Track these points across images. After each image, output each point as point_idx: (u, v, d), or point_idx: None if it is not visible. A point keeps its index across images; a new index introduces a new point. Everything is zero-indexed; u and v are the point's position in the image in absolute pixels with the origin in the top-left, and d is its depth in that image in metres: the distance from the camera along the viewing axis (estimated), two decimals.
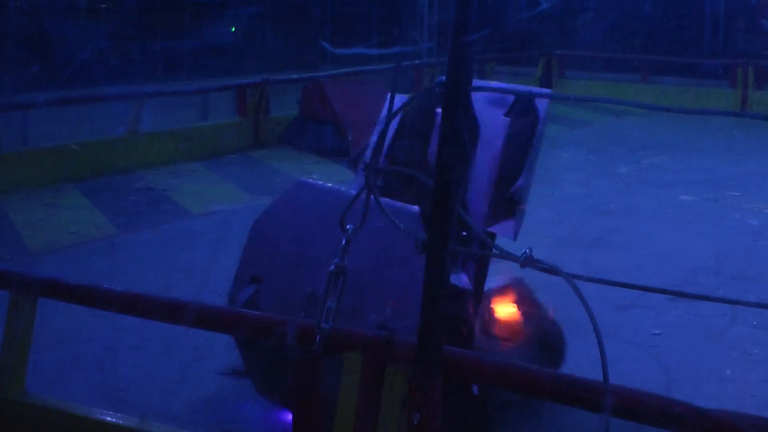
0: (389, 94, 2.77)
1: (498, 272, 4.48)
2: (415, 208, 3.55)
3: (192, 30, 19.49)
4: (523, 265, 2.31)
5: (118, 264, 6.91)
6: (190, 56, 17.80)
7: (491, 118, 4.08)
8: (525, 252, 2.32)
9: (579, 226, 8.32)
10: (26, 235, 7.75)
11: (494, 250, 2.49)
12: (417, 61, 16.99)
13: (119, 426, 3.21)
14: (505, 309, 4.33)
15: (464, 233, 3.79)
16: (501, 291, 4.34)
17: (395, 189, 3.80)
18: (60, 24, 17.71)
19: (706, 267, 7.01)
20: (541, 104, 4.09)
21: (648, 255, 7.35)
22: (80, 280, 3.39)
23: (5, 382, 3.28)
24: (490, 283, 4.33)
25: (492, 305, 4.30)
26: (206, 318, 3.13)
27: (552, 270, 2.28)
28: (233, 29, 20.29)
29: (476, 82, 4.46)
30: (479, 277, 4.01)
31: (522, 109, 4.11)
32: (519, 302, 4.40)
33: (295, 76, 14.54)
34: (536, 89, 4.67)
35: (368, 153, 4.21)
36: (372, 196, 2.63)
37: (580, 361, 4.49)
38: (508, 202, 3.70)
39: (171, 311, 3.17)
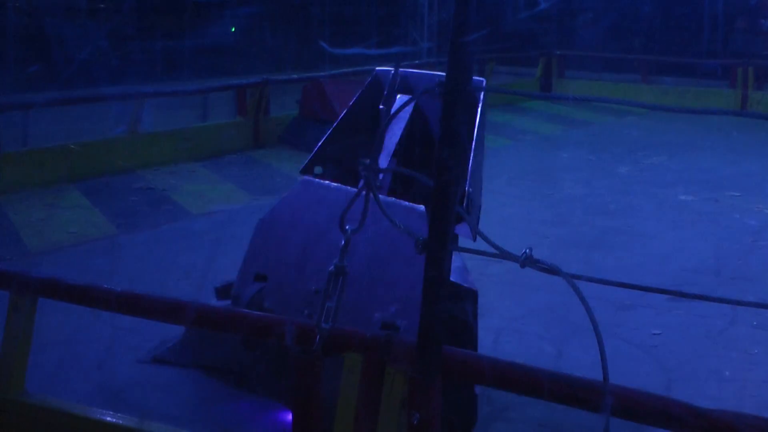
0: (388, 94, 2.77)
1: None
2: (421, 207, 3.55)
3: (192, 30, 19.49)
4: (523, 265, 2.31)
5: (118, 264, 6.91)
6: (190, 56, 17.80)
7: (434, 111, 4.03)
8: (525, 252, 2.32)
9: (579, 226, 8.32)
10: (26, 235, 7.74)
11: (494, 250, 2.49)
12: (417, 61, 16.98)
13: (119, 426, 3.21)
14: None
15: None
16: None
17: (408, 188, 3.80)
18: (60, 24, 17.72)
19: (705, 267, 7.01)
20: (477, 95, 4.01)
21: (648, 255, 7.34)
22: (80, 280, 3.39)
23: (5, 382, 3.28)
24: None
25: None
26: (206, 318, 3.13)
27: (552, 270, 2.28)
28: (233, 29, 20.29)
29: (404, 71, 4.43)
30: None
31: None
32: None
33: (294, 76, 14.53)
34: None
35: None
36: (372, 196, 2.62)
37: (580, 361, 4.49)
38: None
39: (171, 311, 3.17)
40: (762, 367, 5.13)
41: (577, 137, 14.17)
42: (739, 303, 2.28)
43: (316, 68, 16.59)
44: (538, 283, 4.78)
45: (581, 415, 2.50)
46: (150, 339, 5.18)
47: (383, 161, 4.05)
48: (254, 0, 20.27)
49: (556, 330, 5.28)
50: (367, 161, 2.51)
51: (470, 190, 3.68)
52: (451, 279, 3.43)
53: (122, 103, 11.59)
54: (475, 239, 2.48)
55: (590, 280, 2.34)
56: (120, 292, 3.26)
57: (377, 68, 4.55)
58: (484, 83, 4.39)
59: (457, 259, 3.51)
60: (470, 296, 3.58)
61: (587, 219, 8.59)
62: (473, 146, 3.80)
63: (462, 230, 3.84)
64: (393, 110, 4.22)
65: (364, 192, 2.54)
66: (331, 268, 2.61)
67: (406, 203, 3.63)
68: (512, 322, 5.58)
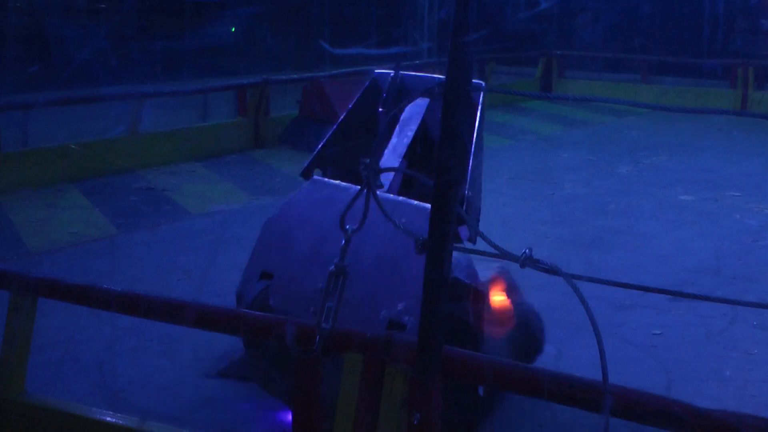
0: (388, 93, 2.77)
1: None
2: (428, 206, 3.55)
3: (192, 30, 19.49)
4: (523, 265, 2.31)
5: (118, 264, 6.91)
6: (190, 56, 17.80)
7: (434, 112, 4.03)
8: (525, 252, 2.31)
9: (579, 226, 8.32)
10: (26, 235, 7.74)
11: (494, 250, 2.49)
12: (417, 61, 16.98)
13: (119, 426, 3.21)
14: (497, 298, 4.38)
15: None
16: (493, 281, 4.37)
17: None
18: (60, 24, 17.72)
19: (705, 267, 7.01)
20: (476, 96, 4.03)
21: (648, 255, 7.35)
22: (80, 280, 3.39)
23: (5, 382, 3.28)
24: (488, 272, 4.35)
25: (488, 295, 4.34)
26: (206, 318, 3.13)
27: (552, 270, 2.28)
28: (233, 29, 20.29)
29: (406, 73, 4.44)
30: None
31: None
32: (507, 291, 4.45)
33: (294, 76, 14.53)
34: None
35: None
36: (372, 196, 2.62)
37: (580, 361, 4.49)
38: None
39: (171, 311, 3.17)
40: (762, 367, 5.13)
41: (577, 137, 14.17)
42: (739, 303, 2.28)
43: (316, 68, 16.60)
44: (538, 282, 4.77)
45: (581, 415, 2.50)
46: (150, 339, 5.18)
47: (393, 162, 4.05)
48: (254, 0, 20.27)
49: (556, 330, 5.27)
50: (367, 161, 2.51)
51: (469, 193, 3.68)
52: (460, 277, 3.44)
53: (122, 103, 11.60)
54: (474, 242, 2.49)
55: (590, 280, 2.34)
56: (120, 292, 3.26)
57: (376, 71, 4.56)
58: (484, 86, 4.39)
59: (464, 259, 3.52)
60: (478, 295, 3.58)
61: (587, 219, 8.60)
62: (472, 149, 3.81)
63: (463, 233, 3.84)
64: (405, 113, 4.23)
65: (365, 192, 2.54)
66: (332, 267, 2.61)
67: (415, 202, 3.64)
68: None
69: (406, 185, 4.17)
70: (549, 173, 10.87)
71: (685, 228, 8.32)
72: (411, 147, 4.18)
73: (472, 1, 2.28)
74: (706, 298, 2.37)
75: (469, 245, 3.93)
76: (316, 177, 4.22)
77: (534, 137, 14.01)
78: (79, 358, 4.97)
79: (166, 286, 6.22)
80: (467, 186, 3.68)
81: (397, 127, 4.24)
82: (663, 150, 12.74)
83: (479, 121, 3.93)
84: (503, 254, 2.31)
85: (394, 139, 4.18)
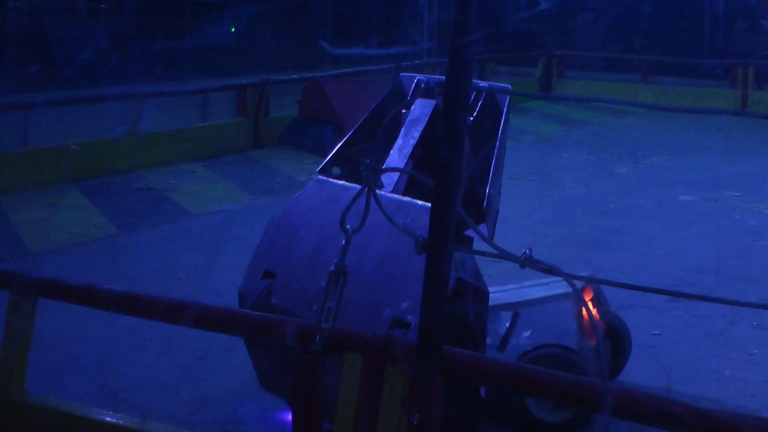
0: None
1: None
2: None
3: (192, 30, 19.49)
4: (523, 266, 2.31)
5: (118, 264, 6.92)
6: (190, 56, 17.81)
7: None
8: (525, 252, 2.32)
9: (579, 227, 8.32)
10: (26, 235, 7.75)
11: (495, 251, 2.49)
12: (417, 61, 16.99)
13: (119, 426, 3.21)
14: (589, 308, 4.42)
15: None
16: (583, 291, 4.40)
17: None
18: (60, 24, 17.72)
19: (705, 267, 7.01)
20: (502, 99, 4.06)
21: (648, 255, 7.35)
22: (80, 280, 3.39)
23: (5, 382, 3.28)
24: (564, 285, 4.38)
25: (587, 305, 4.40)
26: (206, 318, 3.13)
27: (552, 270, 2.28)
28: (233, 29, 20.30)
29: (425, 76, 4.48)
30: None
31: (484, 105, 4.08)
32: (595, 301, 4.49)
33: (295, 76, 14.54)
34: (496, 84, 4.54)
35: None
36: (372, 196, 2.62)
37: None
38: (477, 209, 3.67)
39: (171, 311, 3.17)
40: (762, 367, 5.13)
41: (577, 137, 14.17)
42: (739, 303, 2.28)
43: (317, 68, 16.61)
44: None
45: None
46: (150, 339, 5.19)
47: (399, 162, 4.06)
48: (254, 0, 20.28)
49: None
50: (367, 161, 2.51)
51: (491, 192, 3.70)
52: (464, 276, 3.44)
53: (122, 103, 11.60)
54: (488, 242, 2.49)
55: (590, 280, 2.34)
56: (120, 292, 3.26)
57: (402, 74, 4.59)
58: (510, 89, 4.42)
59: (469, 258, 3.52)
60: (482, 296, 3.58)
61: (587, 219, 8.60)
62: (496, 150, 3.83)
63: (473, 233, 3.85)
64: (411, 114, 4.24)
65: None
66: (332, 267, 2.61)
67: (420, 202, 3.64)
68: None
69: (414, 186, 4.17)
70: (549, 173, 10.87)
71: (685, 228, 8.32)
72: (418, 147, 4.18)
73: (473, 2, 2.28)
74: (706, 299, 2.38)
75: (475, 245, 3.94)
76: (320, 177, 4.22)
77: (534, 137, 14.01)
78: (79, 358, 4.97)
79: (166, 286, 6.23)
80: (489, 184, 3.71)
81: (403, 128, 4.24)
82: (663, 150, 12.74)
83: (504, 123, 3.96)
84: (503, 254, 2.31)
85: (400, 140, 4.18)
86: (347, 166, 4.43)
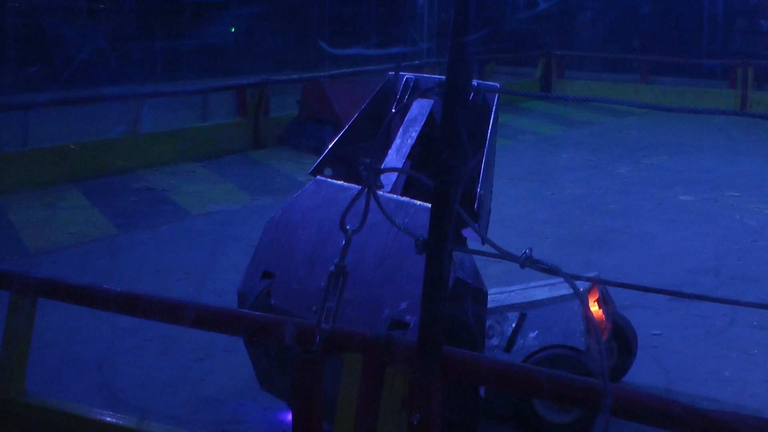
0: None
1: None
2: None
3: (192, 30, 19.49)
4: (523, 266, 2.31)
5: (118, 264, 6.92)
6: (190, 56, 17.81)
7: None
8: (525, 252, 2.31)
9: (579, 227, 8.32)
10: (26, 235, 7.75)
11: (494, 250, 2.49)
12: (417, 62, 16.99)
13: (119, 426, 3.21)
14: (594, 309, 4.43)
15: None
16: (589, 292, 4.41)
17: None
18: (60, 24, 17.71)
19: (705, 267, 7.01)
20: (492, 98, 4.06)
21: (647, 255, 7.35)
22: (80, 280, 3.39)
23: (5, 382, 3.28)
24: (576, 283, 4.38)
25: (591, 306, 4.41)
26: (206, 318, 3.13)
27: (552, 270, 2.27)
28: (233, 29, 20.29)
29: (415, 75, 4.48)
30: None
31: (473, 104, 4.08)
32: (601, 302, 4.49)
33: (294, 76, 14.54)
34: (485, 83, 4.53)
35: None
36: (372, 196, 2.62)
37: None
38: (469, 209, 3.66)
39: (171, 311, 3.17)
40: (762, 367, 5.13)
41: (577, 137, 14.17)
42: (739, 303, 2.28)
43: (316, 68, 16.61)
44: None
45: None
46: (150, 339, 5.19)
47: (397, 162, 4.06)
48: (254, 0, 20.27)
49: None
50: (367, 161, 2.51)
51: (482, 192, 3.70)
52: (463, 277, 3.44)
53: (122, 103, 11.60)
54: (483, 243, 2.49)
55: (590, 280, 2.34)
56: (120, 292, 3.26)
57: (390, 73, 4.59)
58: (498, 87, 4.41)
59: (468, 259, 3.52)
60: (480, 296, 3.58)
61: (587, 219, 8.60)
62: (486, 149, 3.82)
63: (470, 233, 3.85)
64: (409, 114, 4.24)
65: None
66: (331, 268, 2.61)
67: (418, 202, 3.64)
68: None
69: (412, 185, 4.17)
70: (549, 173, 10.87)
71: (684, 228, 8.32)
72: (416, 147, 4.18)
73: (472, 2, 2.28)
74: (706, 298, 2.38)
75: (469, 244, 3.94)
76: (319, 177, 4.22)
77: (534, 137, 14.01)
78: (79, 358, 4.97)
79: (166, 286, 6.23)
80: (480, 185, 3.70)
81: (401, 127, 4.25)
82: (663, 150, 12.75)
83: (493, 122, 3.95)
84: (503, 254, 2.31)
85: (397, 140, 4.18)
86: (341, 166, 4.43)
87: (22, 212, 8.46)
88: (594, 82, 18.71)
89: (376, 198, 2.53)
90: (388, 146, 4.21)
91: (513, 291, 4.62)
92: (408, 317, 3.36)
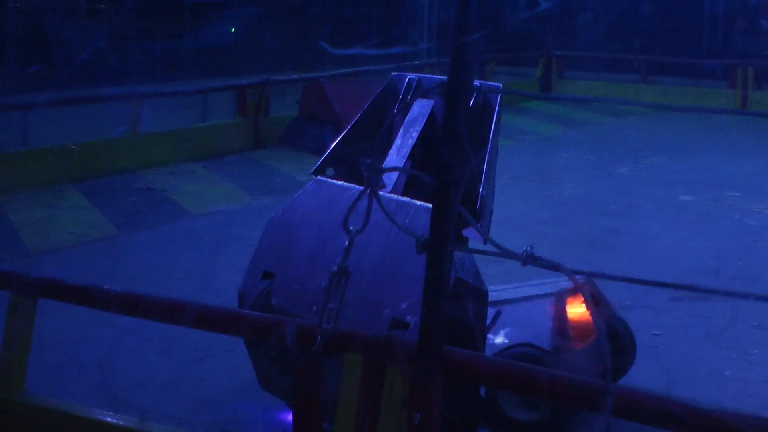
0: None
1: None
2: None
3: (192, 30, 19.49)
4: (524, 263, 2.31)
5: (118, 264, 6.92)
6: (190, 56, 17.81)
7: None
8: (526, 250, 2.32)
9: (579, 227, 8.32)
10: (26, 235, 7.75)
11: (495, 249, 2.48)
12: (417, 62, 16.99)
13: (119, 426, 3.21)
14: (577, 309, 4.38)
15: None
16: (572, 291, 4.37)
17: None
18: (60, 24, 17.71)
19: (705, 267, 7.01)
20: (494, 98, 4.06)
21: (648, 255, 7.35)
22: (80, 281, 3.39)
23: (5, 382, 3.28)
24: (562, 283, 4.36)
25: (566, 306, 4.35)
26: (206, 318, 3.13)
27: (554, 267, 2.27)
28: (233, 30, 20.30)
29: (417, 75, 4.49)
30: None
31: (476, 105, 4.08)
32: (589, 302, 4.43)
33: (294, 76, 14.54)
34: (488, 83, 4.54)
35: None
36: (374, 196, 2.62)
37: None
38: (471, 209, 3.66)
39: (171, 311, 3.17)
40: (762, 367, 5.13)
41: (577, 137, 14.17)
42: (745, 295, 2.28)
43: (317, 68, 16.60)
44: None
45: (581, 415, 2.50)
46: (150, 339, 5.18)
47: (398, 162, 4.06)
48: (254, 0, 20.27)
49: None
50: (369, 161, 2.51)
51: (484, 192, 3.70)
52: (463, 277, 3.44)
53: (122, 103, 11.60)
54: (485, 242, 2.49)
55: (590, 275, 2.34)
56: (120, 292, 3.26)
57: (393, 73, 4.59)
58: (501, 87, 4.41)
59: (468, 258, 3.52)
60: (481, 296, 3.59)
61: (587, 219, 8.60)
62: (488, 149, 3.83)
63: (471, 233, 3.85)
64: (410, 114, 4.24)
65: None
66: (334, 268, 2.60)
67: (419, 203, 3.64)
68: None
69: (412, 186, 4.18)
70: (549, 173, 10.87)
71: (685, 228, 8.32)
72: (417, 147, 4.19)
73: (473, 2, 2.28)
74: (712, 291, 2.36)
75: (470, 244, 3.94)
76: (320, 177, 4.22)
77: (534, 137, 14.01)
78: (79, 358, 4.97)
79: (166, 286, 6.23)
80: (482, 185, 3.70)
81: (402, 127, 4.25)
82: (663, 150, 12.75)
83: (496, 122, 3.95)
84: (504, 253, 2.31)
85: (398, 140, 4.18)
86: (342, 166, 4.43)
87: (22, 212, 8.45)
88: (594, 82, 18.71)
89: (378, 198, 2.53)
90: (389, 146, 4.21)
91: (502, 289, 4.60)
92: (408, 317, 3.36)
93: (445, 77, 2.37)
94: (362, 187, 2.54)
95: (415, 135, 4.14)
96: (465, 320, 3.48)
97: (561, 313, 4.32)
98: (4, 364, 3.30)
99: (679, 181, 10.43)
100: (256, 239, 4.27)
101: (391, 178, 3.97)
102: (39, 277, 3.39)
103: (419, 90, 4.35)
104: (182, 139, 11.46)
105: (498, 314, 4.35)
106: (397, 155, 4.10)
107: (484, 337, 3.70)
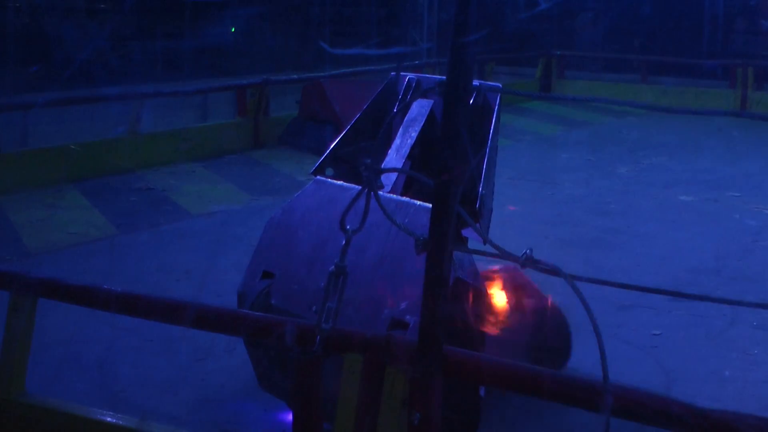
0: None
1: None
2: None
3: (192, 30, 19.49)
4: (523, 266, 2.31)
5: (118, 264, 6.91)
6: (190, 56, 17.79)
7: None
8: (525, 252, 2.32)
9: (579, 227, 8.32)
10: (26, 235, 7.74)
11: (494, 251, 2.49)
12: (417, 62, 16.99)
13: (119, 426, 3.21)
14: (499, 296, 4.24)
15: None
16: (492, 278, 4.25)
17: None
18: (60, 24, 17.72)
19: (705, 267, 7.01)
20: (493, 98, 4.06)
21: (648, 255, 7.34)
22: (80, 281, 3.39)
23: (5, 382, 3.28)
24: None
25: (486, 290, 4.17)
26: (206, 318, 3.13)
27: (553, 271, 2.28)
28: (233, 29, 20.29)
29: (416, 75, 4.49)
30: None
31: (475, 104, 4.08)
32: (509, 290, 4.29)
33: (294, 76, 14.53)
34: (487, 83, 4.54)
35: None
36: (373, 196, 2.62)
37: (581, 361, 4.50)
38: (470, 209, 3.65)
39: (171, 311, 3.17)
40: (762, 367, 5.13)
41: (577, 137, 14.17)
42: (739, 303, 2.28)
43: (316, 69, 16.60)
44: (539, 283, 4.77)
45: (582, 415, 2.49)
46: (150, 339, 5.18)
47: (397, 162, 4.06)
48: (254, 0, 20.27)
49: None
50: (368, 161, 2.51)
51: (484, 192, 3.70)
52: (462, 277, 3.44)
53: (122, 103, 11.59)
54: (485, 243, 2.49)
55: (591, 280, 2.34)
56: (120, 292, 3.26)
57: (393, 73, 4.60)
58: (501, 87, 4.42)
59: (467, 258, 3.53)
60: (480, 296, 3.59)
61: (587, 219, 8.59)
62: (488, 149, 3.83)
63: (471, 233, 3.85)
64: (409, 114, 4.25)
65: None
66: (331, 268, 2.61)
67: (418, 203, 3.65)
68: None
69: (411, 186, 4.18)
70: (549, 173, 10.87)
71: (685, 228, 8.32)
72: (416, 147, 4.19)
73: (473, 2, 2.28)
74: (707, 298, 2.37)
75: (470, 244, 3.94)
76: (319, 177, 4.23)
77: (534, 137, 14.01)
78: (79, 358, 4.97)
79: (166, 286, 6.23)
80: (482, 184, 3.70)
81: (401, 127, 4.25)
82: (663, 150, 12.74)
83: (495, 122, 3.95)
84: (504, 254, 2.31)
85: (397, 140, 4.19)
86: (342, 166, 4.44)
87: (22, 212, 8.45)
88: (594, 82, 18.70)
89: (377, 198, 2.53)
90: (388, 146, 4.22)
91: None
92: (408, 317, 3.36)
93: (445, 77, 2.37)
94: (361, 188, 2.55)
95: (414, 135, 4.14)
96: (465, 320, 3.48)
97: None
98: (4, 364, 3.30)
99: (679, 181, 10.43)
100: (256, 239, 4.27)
101: (390, 178, 3.98)
102: (39, 277, 3.39)
103: (418, 90, 4.35)
104: (182, 139, 11.45)
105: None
106: (396, 155, 4.11)
107: (484, 337, 3.70)
